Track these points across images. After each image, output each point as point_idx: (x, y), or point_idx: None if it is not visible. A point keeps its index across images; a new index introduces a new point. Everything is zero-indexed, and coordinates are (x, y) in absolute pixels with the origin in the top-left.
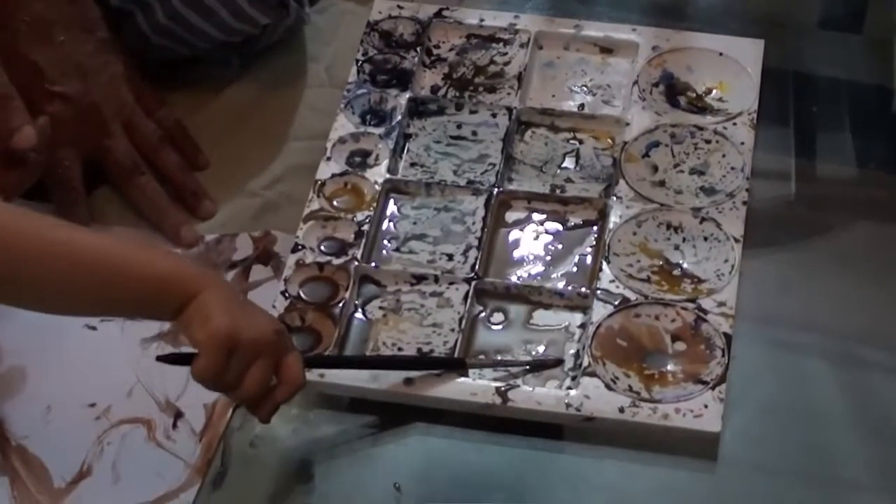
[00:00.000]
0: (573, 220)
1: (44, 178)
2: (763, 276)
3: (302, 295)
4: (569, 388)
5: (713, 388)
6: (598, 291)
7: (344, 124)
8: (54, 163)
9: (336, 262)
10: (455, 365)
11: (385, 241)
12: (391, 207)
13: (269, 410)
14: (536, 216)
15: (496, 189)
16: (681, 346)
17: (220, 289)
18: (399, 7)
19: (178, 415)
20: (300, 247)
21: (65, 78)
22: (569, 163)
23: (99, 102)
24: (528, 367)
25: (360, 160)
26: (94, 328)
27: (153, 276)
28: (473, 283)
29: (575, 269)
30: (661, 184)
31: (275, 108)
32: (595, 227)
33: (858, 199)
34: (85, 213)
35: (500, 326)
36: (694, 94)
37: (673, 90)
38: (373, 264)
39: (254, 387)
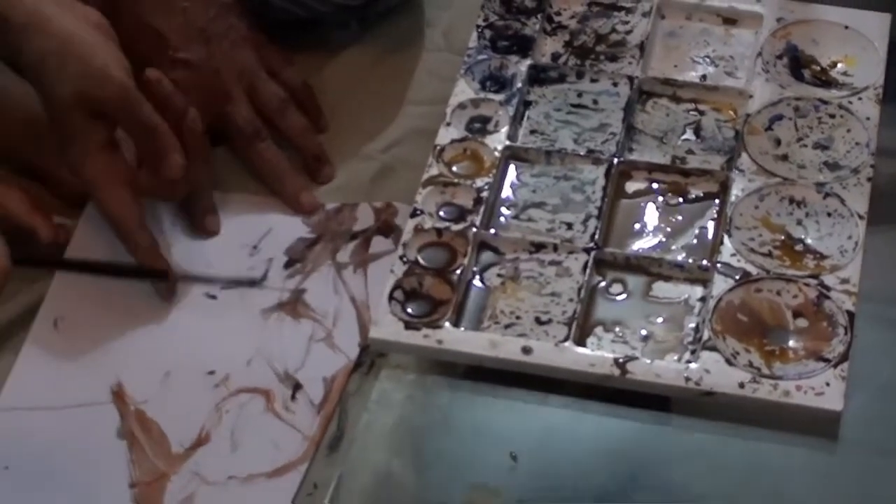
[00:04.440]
0: (694, 192)
1: None
2: (887, 254)
3: (420, 260)
4: (688, 361)
5: (835, 367)
6: (719, 265)
7: (464, 90)
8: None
9: (455, 228)
10: (157, 275)
11: (504, 209)
12: (511, 174)
13: None
14: (657, 187)
15: (617, 159)
16: (802, 322)
17: None
18: None
19: (297, 387)
20: (419, 212)
21: (188, 45)
22: (690, 134)
23: (221, 68)
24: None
25: (479, 126)
26: (213, 297)
27: None
28: (593, 252)
29: (695, 241)
30: (784, 158)
31: (392, 71)
32: (716, 200)
33: None
34: (206, 178)
35: (619, 297)
36: (818, 68)
37: (797, 63)
38: (492, 231)
39: None
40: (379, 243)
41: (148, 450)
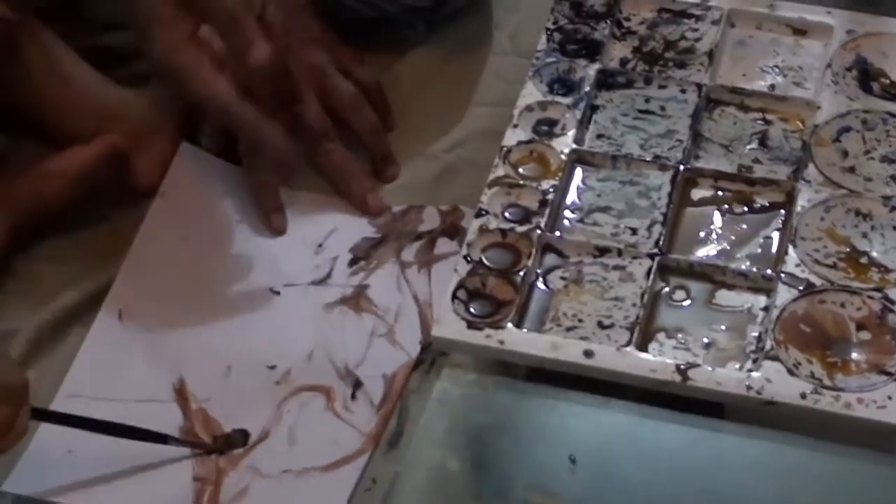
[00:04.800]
0: (759, 202)
1: (237, 141)
2: None
3: (484, 260)
4: (750, 370)
5: None
6: (783, 275)
7: (531, 92)
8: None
9: (519, 229)
10: (156, 438)
11: (569, 212)
12: (576, 178)
13: None
14: (722, 195)
15: (683, 166)
16: (865, 335)
17: None
18: None
19: (357, 384)
20: (484, 212)
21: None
22: (756, 143)
23: (291, 68)
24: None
25: (546, 129)
26: (277, 293)
27: None
28: (657, 258)
29: (759, 250)
30: (851, 170)
31: (458, 72)
32: (782, 210)
33: None
34: (273, 177)
35: (682, 304)
36: (888, 81)
37: (866, 75)
38: (557, 234)
39: None
40: (444, 244)
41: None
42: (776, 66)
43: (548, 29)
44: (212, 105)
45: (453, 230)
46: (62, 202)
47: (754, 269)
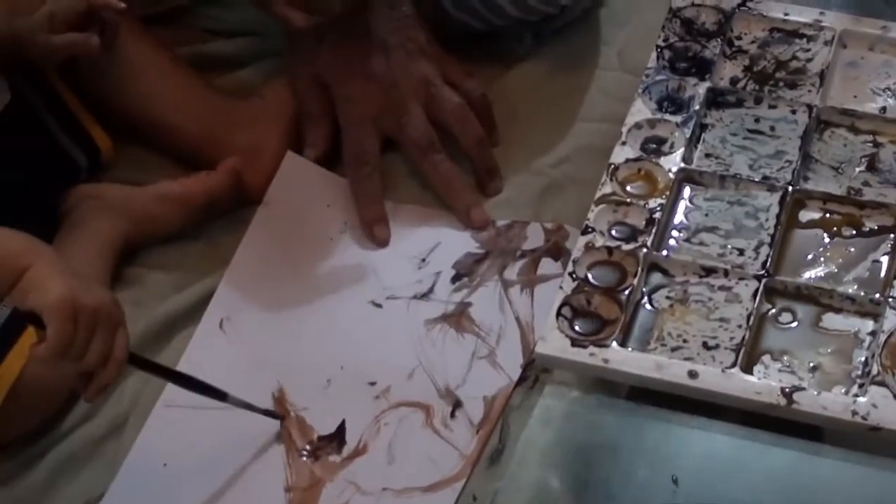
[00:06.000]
0: (869, 225)
1: (342, 150)
2: None
3: (590, 278)
4: (855, 395)
5: None
6: (892, 299)
7: (641, 109)
8: (354, 138)
9: (626, 247)
10: (215, 394)
11: (675, 231)
12: (684, 197)
13: (95, 390)
14: (831, 217)
15: (792, 187)
16: None
17: (51, 259)
18: None
19: (457, 404)
20: (590, 229)
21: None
22: (866, 166)
23: (399, 80)
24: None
25: (654, 147)
26: (379, 305)
27: None
28: (764, 280)
29: (867, 274)
30: None
31: (564, 88)
32: (891, 234)
33: None
34: (378, 189)
35: (788, 326)
36: None
37: None
38: (664, 253)
39: (94, 358)
40: (548, 265)
41: (306, 457)
42: (888, 89)
43: (658, 46)
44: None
45: (557, 251)
46: (180, 224)
47: (862, 293)
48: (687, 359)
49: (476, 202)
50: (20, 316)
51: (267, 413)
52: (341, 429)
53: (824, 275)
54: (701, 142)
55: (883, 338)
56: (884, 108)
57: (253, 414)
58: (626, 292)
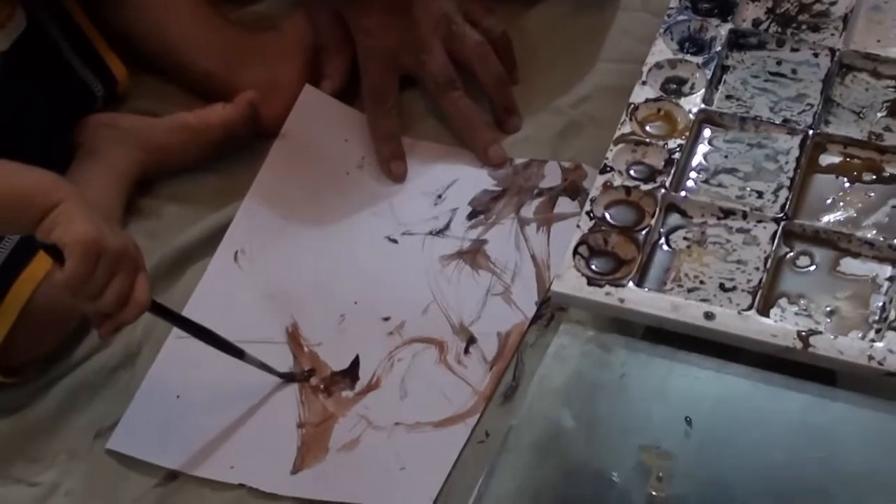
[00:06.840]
0: (889, 170)
1: (360, 85)
2: None
3: (607, 217)
4: (872, 340)
5: None
6: None
7: (662, 49)
8: (372, 73)
9: (644, 187)
10: (234, 351)
11: (694, 172)
12: (703, 138)
13: (111, 328)
14: (851, 162)
15: (812, 130)
16: None
17: (81, 199)
18: None
19: (471, 340)
20: (608, 168)
21: None
22: (888, 111)
23: (420, 16)
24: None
25: (675, 87)
26: (395, 241)
27: (13, 193)
28: (782, 223)
29: (887, 219)
30: None
31: (586, 27)
32: None
33: None
34: (396, 125)
35: (805, 270)
36: None
37: None
38: (682, 194)
39: (113, 298)
40: (565, 204)
41: (318, 392)
42: None
43: None
44: None
45: (574, 190)
46: (196, 155)
47: (881, 238)
48: (703, 300)
49: (494, 140)
50: (36, 245)
51: (284, 376)
52: (355, 364)
53: (843, 219)
54: (722, 83)
55: None
56: None
57: (266, 351)
58: (644, 232)
